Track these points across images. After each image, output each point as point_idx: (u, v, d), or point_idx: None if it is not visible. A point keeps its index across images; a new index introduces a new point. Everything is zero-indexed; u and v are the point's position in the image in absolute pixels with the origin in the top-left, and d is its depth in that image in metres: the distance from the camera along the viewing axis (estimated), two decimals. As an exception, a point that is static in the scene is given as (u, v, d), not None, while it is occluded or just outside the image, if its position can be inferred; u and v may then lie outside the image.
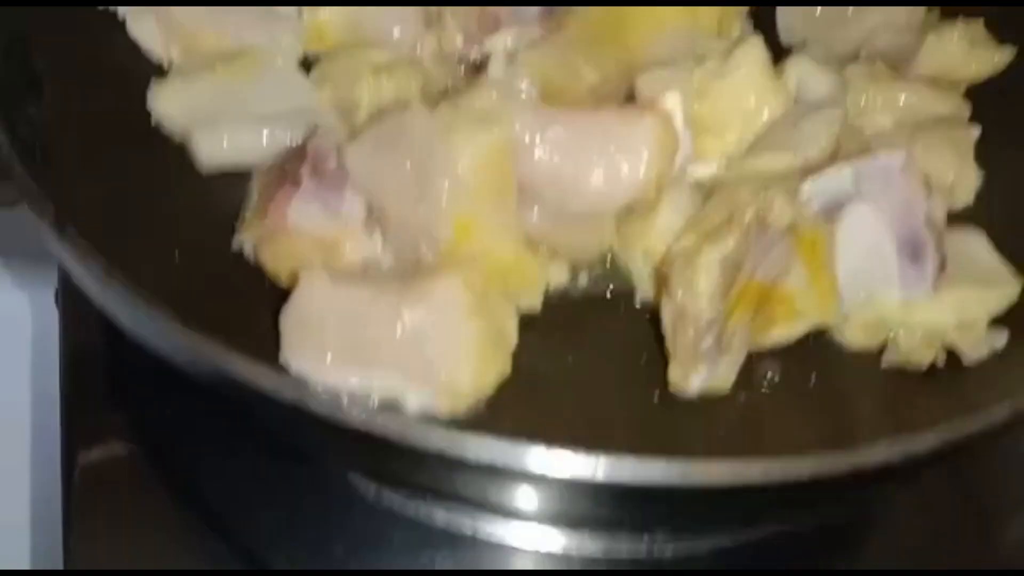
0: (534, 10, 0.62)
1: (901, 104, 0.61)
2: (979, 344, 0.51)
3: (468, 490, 0.49)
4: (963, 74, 0.63)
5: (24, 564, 0.87)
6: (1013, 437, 0.54)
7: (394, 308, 0.46)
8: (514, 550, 0.57)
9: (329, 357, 0.46)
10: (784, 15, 0.67)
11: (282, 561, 0.56)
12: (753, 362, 0.51)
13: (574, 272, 0.55)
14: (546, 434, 0.42)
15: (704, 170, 0.55)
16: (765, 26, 0.64)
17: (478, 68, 0.61)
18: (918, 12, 0.66)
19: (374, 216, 0.51)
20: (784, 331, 0.51)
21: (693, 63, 0.55)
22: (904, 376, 0.52)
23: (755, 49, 0.55)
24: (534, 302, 0.52)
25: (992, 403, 0.49)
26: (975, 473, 0.64)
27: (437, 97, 0.55)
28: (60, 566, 0.58)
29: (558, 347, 0.52)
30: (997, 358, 0.52)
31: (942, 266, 0.51)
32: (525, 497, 0.49)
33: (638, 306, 0.54)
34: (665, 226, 0.52)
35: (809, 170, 0.52)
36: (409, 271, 0.49)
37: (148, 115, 0.57)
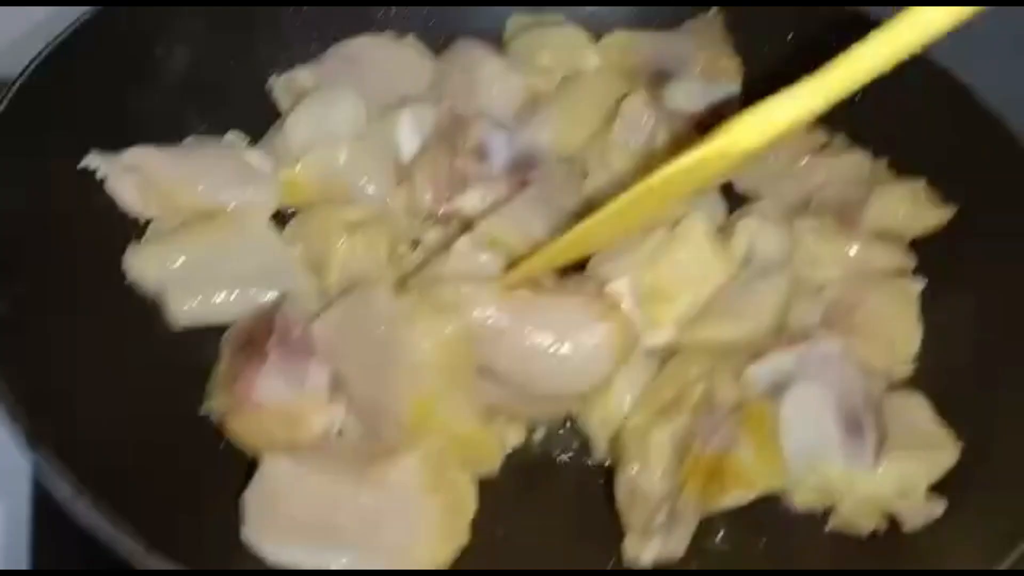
0: (501, 169, 0.64)
1: (851, 256, 0.64)
2: (919, 512, 0.53)
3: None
4: (908, 229, 0.66)
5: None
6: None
7: (354, 490, 0.48)
8: None
9: (290, 536, 0.48)
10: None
11: None
12: (703, 526, 0.52)
13: (531, 429, 0.57)
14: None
15: (657, 337, 0.57)
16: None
17: (446, 221, 0.63)
18: (865, 165, 0.69)
19: (339, 385, 0.53)
20: (734, 499, 0.52)
21: (641, 237, 0.57)
22: (848, 540, 0.54)
23: (699, 223, 0.58)
24: (493, 468, 0.54)
25: (931, 567, 0.52)
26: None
27: (404, 272, 0.57)
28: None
29: (512, 510, 0.53)
30: (936, 523, 0.53)
31: (881, 441, 0.53)
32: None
33: (590, 464, 0.56)
34: (620, 395, 0.55)
35: (756, 344, 0.55)
36: (371, 444, 0.51)
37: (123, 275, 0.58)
